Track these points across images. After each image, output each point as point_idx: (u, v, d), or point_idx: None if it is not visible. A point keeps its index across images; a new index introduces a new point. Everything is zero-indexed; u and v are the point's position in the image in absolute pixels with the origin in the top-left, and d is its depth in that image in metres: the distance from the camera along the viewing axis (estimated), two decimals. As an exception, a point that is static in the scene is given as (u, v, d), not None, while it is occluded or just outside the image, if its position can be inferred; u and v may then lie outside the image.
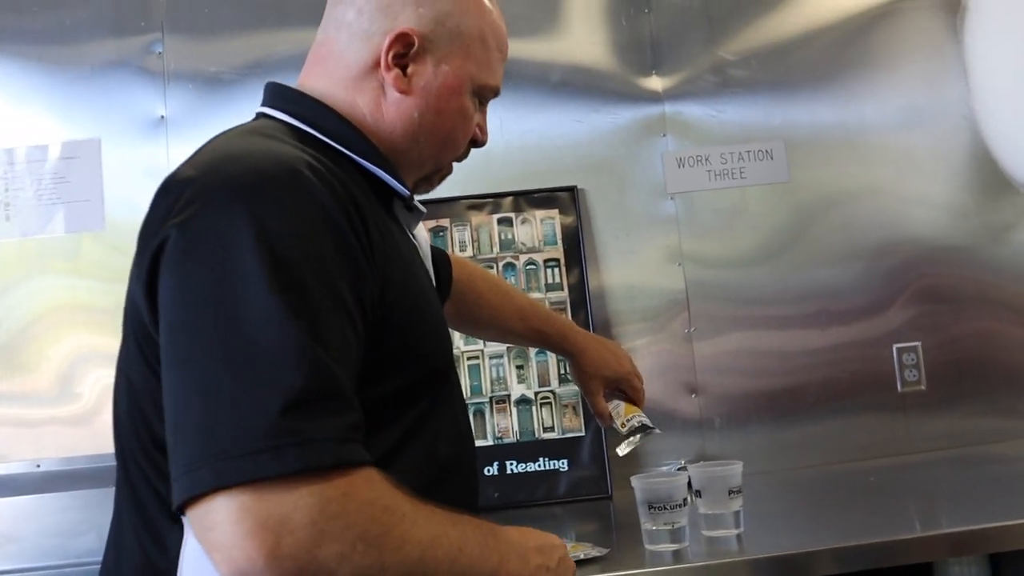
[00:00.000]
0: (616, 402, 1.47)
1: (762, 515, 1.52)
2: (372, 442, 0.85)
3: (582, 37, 2.08)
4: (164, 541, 0.84)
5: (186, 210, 0.80)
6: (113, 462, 1.82)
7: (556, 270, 1.98)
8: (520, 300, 1.48)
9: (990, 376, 2.06)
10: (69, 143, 1.96)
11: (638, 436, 1.44)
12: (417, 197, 1.08)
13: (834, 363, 2.03)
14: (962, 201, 2.12)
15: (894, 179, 2.11)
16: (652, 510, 1.37)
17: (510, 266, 1.98)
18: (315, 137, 0.95)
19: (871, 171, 2.10)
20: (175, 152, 1.98)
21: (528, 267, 1.98)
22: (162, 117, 1.99)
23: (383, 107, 0.98)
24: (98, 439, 1.89)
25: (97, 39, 1.99)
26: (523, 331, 1.45)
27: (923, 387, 2.03)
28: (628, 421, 1.45)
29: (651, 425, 1.45)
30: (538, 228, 2.00)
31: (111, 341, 1.87)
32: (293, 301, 0.76)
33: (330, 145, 0.95)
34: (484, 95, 1.05)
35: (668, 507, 1.37)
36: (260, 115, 1.01)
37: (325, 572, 0.72)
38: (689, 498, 1.41)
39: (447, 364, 1.03)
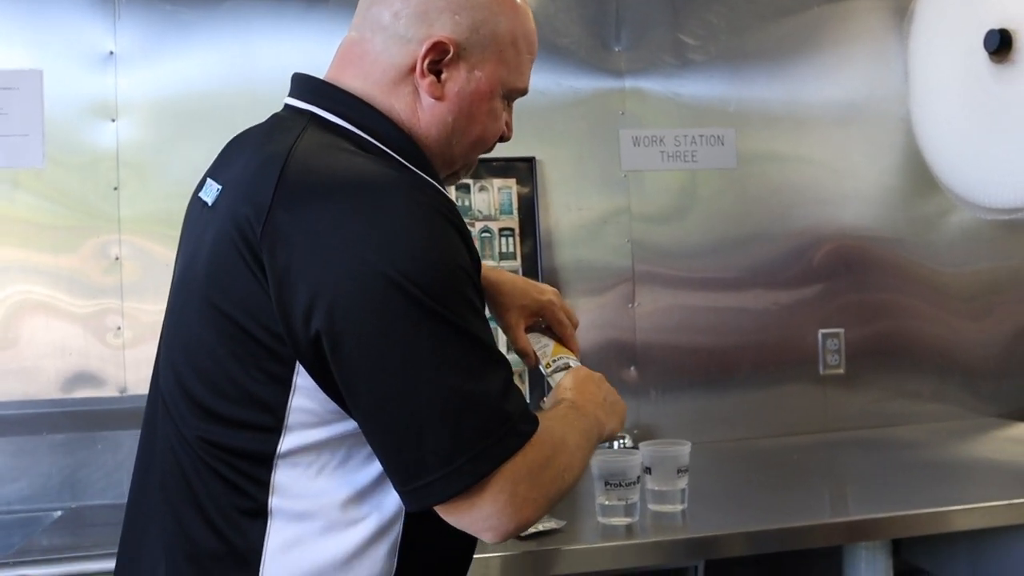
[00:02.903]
0: (545, 340, 1.25)
1: (701, 489, 1.62)
2: None
3: (550, 6, 2.08)
4: (246, 532, 0.90)
5: (354, 243, 0.84)
6: (45, 409, 1.80)
7: (511, 239, 2.01)
8: None
9: (901, 363, 2.23)
10: (7, 72, 1.84)
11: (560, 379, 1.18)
12: None
13: (764, 344, 2.15)
14: (892, 196, 2.25)
15: (833, 171, 2.22)
16: (608, 486, 1.45)
17: (466, 233, 1.99)
18: (376, 146, 0.97)
19: (813, 162, 2.21)
20: (124, 90, 1.89)
21: (483, 235, 2.00)
22: (111, 52, 1.89)
23: (418, 111, 0.99)
24: (30, 385, 1.83)
25: (41, -39, 1.86)
26: None
27: (842, 371, 2.18)
28: (555, 362, 1.22)
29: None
30: (495, 196, 2.02)
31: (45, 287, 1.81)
32: (472, 316, 0.88)
33: (389, 155, 0.97)
34: (512, 96, 1.07)
35: (623, 484, 1.45)
36: (306, 112, 0.99)
37: (552, 503, 0.93)
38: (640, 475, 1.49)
39: None
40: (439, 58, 0.98)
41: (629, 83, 2.11)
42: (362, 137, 0.97)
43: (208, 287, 0.91)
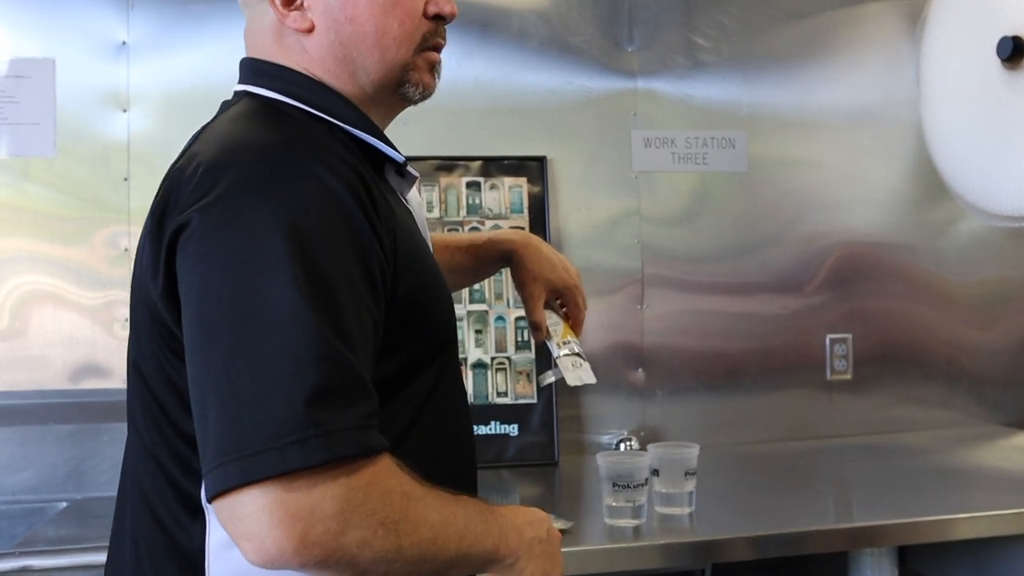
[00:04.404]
0: (555, 317, 1.27)
1: (708, 493, 1.61)
2: (391, 414, 0.88)
3: (563, 4, 2.08)
4: (189, 530, 0.87)
5: (207, 197, 0.80)
6: (52, 399, 1.80)
7: (520, 238, 2.00)
8: (437, 236, 1.33)
9: (909, 369, 2.22)
10: (19, 60, 1.84)
11: (569, 364, 1.23)
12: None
13: (772, 348, 2.15)
14: (903, 202, 2.25)
15: (843, 176, 2.21)
16: (615, 488, 1.45)
17: (475, 231, 1.99)
18: (306, 111, 0.94)
19: (823, 167, 2.21)
20: (136, 80, 1.89)
21: (493, 233, 2.00)
22: (124, 42, 1.88)
23: (307, 55, 0.95)
24: (37, 374, 1.83)
25: (55, -50, 1.86)
26: (452, 260, 1.30)
27: (849, 376, 2.18)
28: (565, 343, 1.25)
29: (584, 357, 1.26)
30: (506, 195, 2.02)
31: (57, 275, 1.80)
32: (312, 292, 0.77)
33: (321, 118, 0.94)
34: None
35: (631, 485, 1.44)
36: (244, 94, 0.98)
37: (348, 558, 0.75)
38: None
39: (452, 332, 1.04)
40: None
41: (641, 84, 2.11)
42: (292, 105, 0.93)
43: (136, 291, 0.91)
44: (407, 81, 0.98)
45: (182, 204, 0.82)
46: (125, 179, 1.87)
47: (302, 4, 0.94)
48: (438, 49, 1.01)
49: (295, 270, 0.77)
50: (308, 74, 0.95)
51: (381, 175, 0.98)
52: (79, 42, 1.86)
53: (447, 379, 1.00)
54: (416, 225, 1.03)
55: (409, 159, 2.05)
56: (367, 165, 0.93)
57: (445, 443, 0.99)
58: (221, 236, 0.79)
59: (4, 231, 1.83)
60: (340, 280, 0.80)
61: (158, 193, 0.88)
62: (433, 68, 1.00)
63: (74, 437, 1.83)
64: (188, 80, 1.90)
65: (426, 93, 1.00)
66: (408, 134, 1.96)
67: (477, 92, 2.02)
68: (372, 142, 0.95)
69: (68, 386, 1.84)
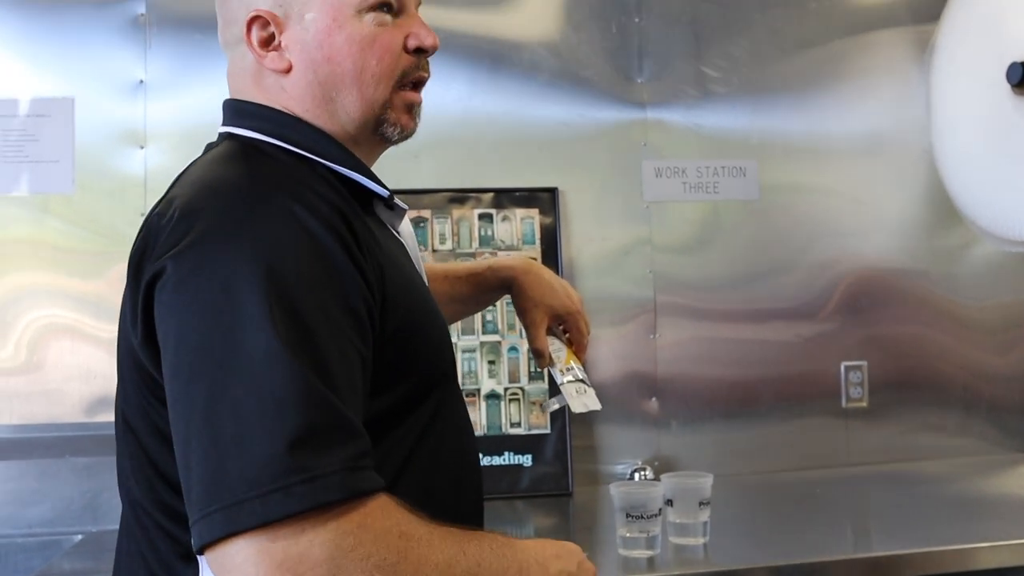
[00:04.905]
0: (558, 343, 1.27)
1: (723, 523, 1.60)
2: (385, 451, 0.88)
3: (572, 37, 2.10)
4: None
5: (181, 243, 0.80)
6: (69, 432, 1.81)
7: (532, 269, 2.01)
8: (437, 266, 1.35)
9: (925, 396, 2.21)
10: (40, 100, 1.88)
11: (574, 391, 1.23)
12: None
13: (786, 376, 2.14)
14: (915, 228, 2.25)
15: (855, 203, 2.21)
16: (629, 518, 1.44)
17: (487, 261, 2.00)
18: (288, 151, 0.94)
19: (835, 194, 2.21)
20: (153, 118, 1.92)
21: (505, 263, 2.01)
22: (141, 81, 1.92)
23: (288, 93, 0.96)
24: (54, 407, 1.85)
25: (76, -7, 1.91)
26: (452, 290, 1.31)
27: (865, 404, 2.16)
28: (568, 370, 1.24)
29: (589, 383, 1.26)
30: (518, 226, 2.03)
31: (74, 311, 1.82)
32: (290, 333, 0.76)
33: (302, 156, 0.94)
34: (377, 4, 0.95)
35: (644, 516, 1.44)
36: (226, 135, 0.98)
37: None
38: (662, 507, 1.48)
39: (449, 364, 1.03)
40: (266, 33, 0.94)
41: (651, 114, 2.13)
42: (274, 145, 0.94)
43: (120, 338, 0.92)
44: (385, 121, 0.98)
45: (158, 251, 0.82)
46: (142, 214, 1.88)
47: (279, 45, 0.94)
48: (421, 83, 1.01)
49: (272, 313, 0.76)
50: (289, 113, 0.96)
51: (369, 210, 0.98)
52: (98, 81, 1.91)
53: (445, 413, 0.99)
54: (408, 258, 1.03)
55: (421, 192, 2.09)
56: (352, 201, 0.93)
57: (445, 479, 0.97)
58: (196, 282, 0.78)
59: (24, 266, 1.86)
60: (320, 320, 0.79)
61: (136, 240, 0.88)
62: (411, 109, 1.00)
63: (90, 470, 1.84)
64: (204, 117, 1.92)
65: (404, 134, 1.00)
66: (420, 167, 2.00)
67: (489, 125, 2.05)
68: (355, 177, 0.95)
69: (84, 419, 1.85)
